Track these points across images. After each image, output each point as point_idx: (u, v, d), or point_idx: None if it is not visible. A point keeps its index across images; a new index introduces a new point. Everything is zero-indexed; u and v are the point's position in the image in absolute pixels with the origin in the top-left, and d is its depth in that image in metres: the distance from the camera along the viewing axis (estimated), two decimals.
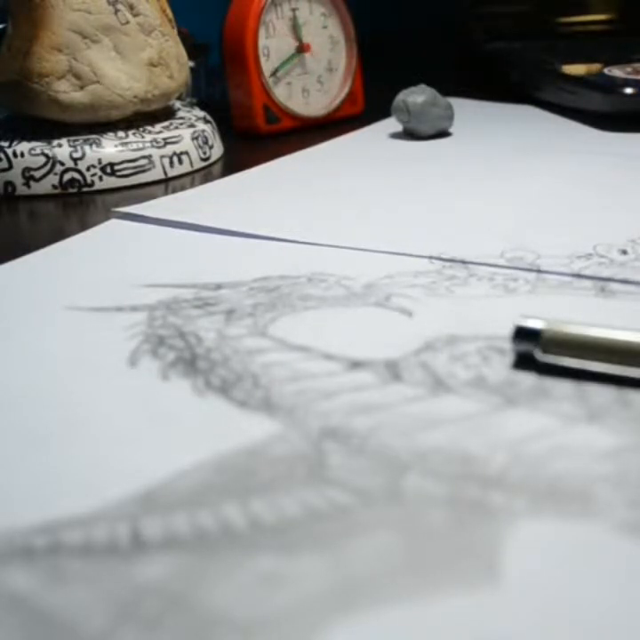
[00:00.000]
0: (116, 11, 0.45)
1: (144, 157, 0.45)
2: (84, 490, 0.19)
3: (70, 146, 0.44)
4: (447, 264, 0.31)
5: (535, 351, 0.24)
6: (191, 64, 0.57)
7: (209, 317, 0.28)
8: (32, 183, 0.44)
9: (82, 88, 0.44)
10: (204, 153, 0.48)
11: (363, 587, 0.16)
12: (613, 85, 0.52)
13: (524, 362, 0.24)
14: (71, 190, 0.44)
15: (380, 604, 0.16)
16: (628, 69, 0.55)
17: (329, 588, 0.16)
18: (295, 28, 0.55)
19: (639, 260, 0.31)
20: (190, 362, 0.25)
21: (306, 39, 0.55)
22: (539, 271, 0.30)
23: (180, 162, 0.46)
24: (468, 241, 0.33)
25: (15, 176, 0.44)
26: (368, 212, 0.38)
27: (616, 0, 0.74)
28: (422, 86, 0.51)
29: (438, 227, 0.36)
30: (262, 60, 0.53)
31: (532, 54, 0.64)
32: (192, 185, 0.45)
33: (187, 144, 0.47)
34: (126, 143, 0.45)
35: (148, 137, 0.46)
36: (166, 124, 0.48)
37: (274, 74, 0.54)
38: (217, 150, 0.50)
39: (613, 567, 0.16)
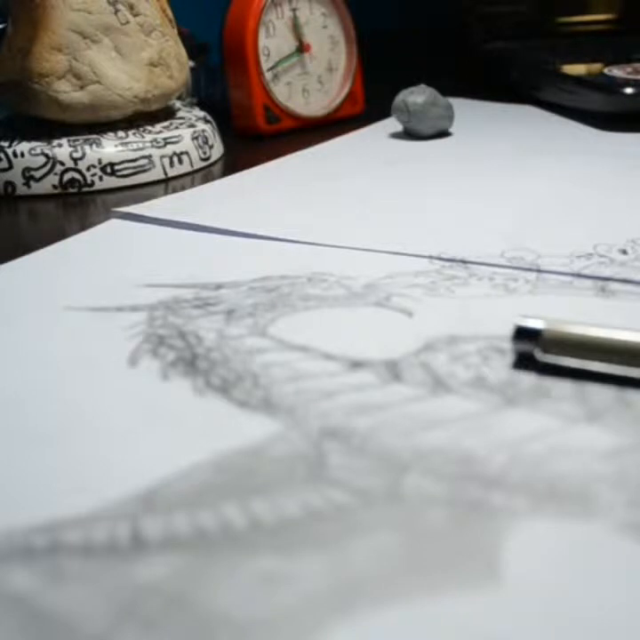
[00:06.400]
0: (116, 11, 0.45)
1: (144, 157, 0.45)
2: (84, 490, 0.19)
3: (70, 146, 0.44)
4: (447, 264, 0.31)
5: (535, 351, 0.24)
6: (191, 64, 0.57)
7: (209, 317, 0.28)
8: (32, 183, 0.44)
9: (82, 88, 0.44)
10: (204, 153, 0.48)
11: (363, 587, 0.16)
12: (613, 85, 0.52)
13: (523, 362, 0.24)
14: (71, 190, 0.44)
15: (380, 604, 0.16)
16: (628, 69, 0.55)
17: (329, 587, 0.16)
18: (295, 28, 0.55)
19: (639, 260, 0.31)
20: (190, 362, 0.25)
21: (306, 39, 0.55)
22: (539, 271, 0.30)
23: (180, 162, 0.46)
24: (468, 241, 0.33)
25: (15, 176, 0.44)
26: (368, 211, 0.38)
27: (616, 0, 0.74)
28: (422, 86, 0.51)
29: (438, 227, 0.35)
30: (262, 59, 0.53)
31: (532, 54, 0.64)
32: (192, 185, 0.45)
33: (187, 144, 0.47)
34: (126, 143, 0.45)
35: (148, 137, 0.46)
36: (166, 123, 0.48)
37: (273, 69, 0.54)
38: (217, 150, 0.50)
39: (613, 567, 0.16)
